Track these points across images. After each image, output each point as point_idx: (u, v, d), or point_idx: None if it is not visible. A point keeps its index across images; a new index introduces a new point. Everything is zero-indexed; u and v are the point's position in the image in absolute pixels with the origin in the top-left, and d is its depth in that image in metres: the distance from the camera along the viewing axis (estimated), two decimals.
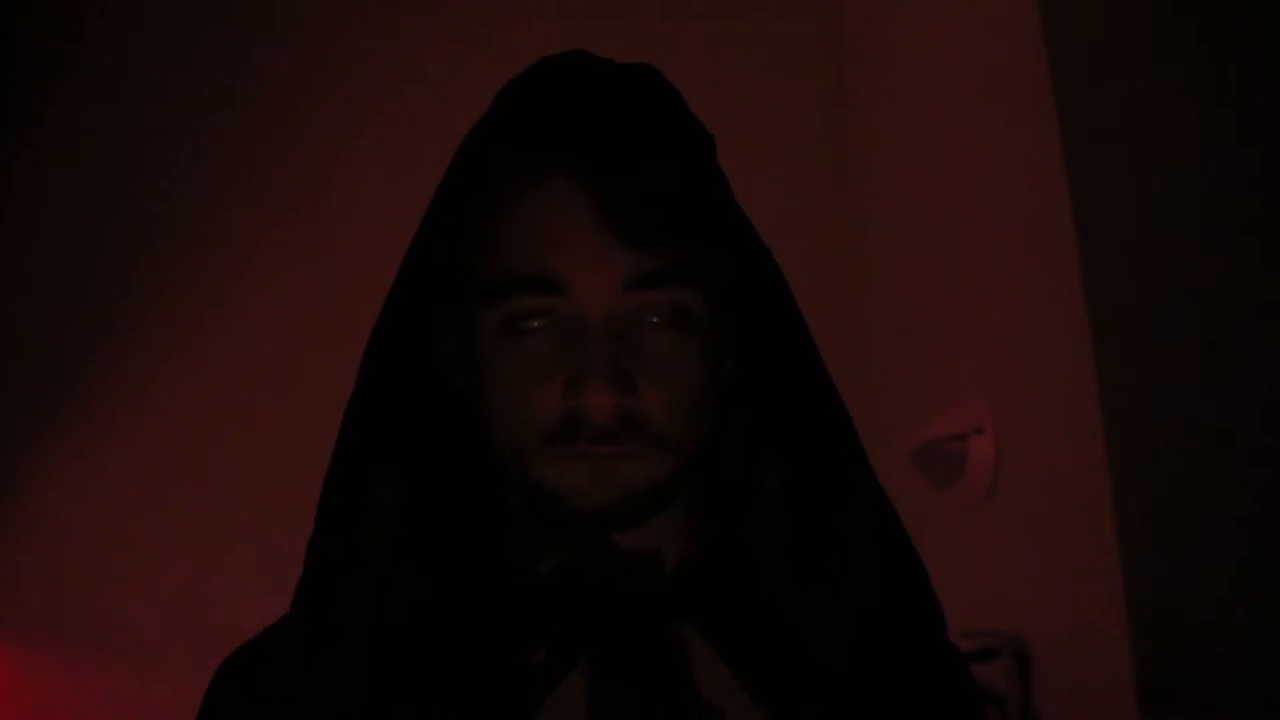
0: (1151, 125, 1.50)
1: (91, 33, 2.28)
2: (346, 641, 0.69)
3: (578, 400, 0.65)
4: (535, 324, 0.67)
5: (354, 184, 2.23)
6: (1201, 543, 1.39)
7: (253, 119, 2.27)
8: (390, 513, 0.72)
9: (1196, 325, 1.44)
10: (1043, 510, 1.60)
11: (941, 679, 0.76)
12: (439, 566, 0.72)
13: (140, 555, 2.08)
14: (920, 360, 2.04)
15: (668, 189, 0.67)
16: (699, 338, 0.69)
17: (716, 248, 0.72)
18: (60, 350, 2.17)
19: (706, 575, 0.74)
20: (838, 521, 0.76)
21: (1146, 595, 1.38)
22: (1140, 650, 1.36)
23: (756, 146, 2.23)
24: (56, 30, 2.28)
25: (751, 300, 0.77)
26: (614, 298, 0.66)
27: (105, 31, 2.29)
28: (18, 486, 2.11)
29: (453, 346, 0.74)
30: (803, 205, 2.27)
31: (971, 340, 1.84)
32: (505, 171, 0.70)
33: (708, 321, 0.70)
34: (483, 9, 2.31)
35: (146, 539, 2.09)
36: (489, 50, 2.18)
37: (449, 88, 2.18)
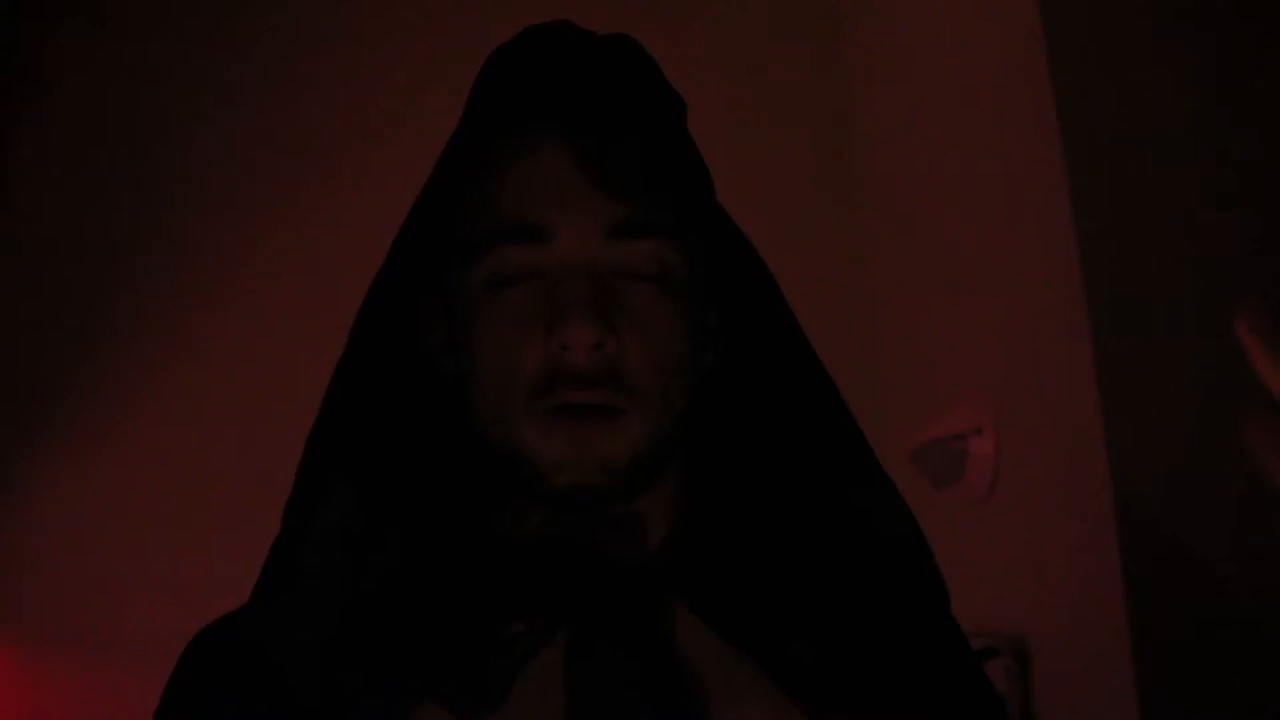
0: (1151, 125, 1.49)
1: (86, 34, 2.28)
2: (320, 611, 0.69)
3: (559, 337, 0.66)
4: (519, 279, 0.68)
5: (352, 187, 2.23)
6: (1202, 542, 1.39)
7: (250, 122, 2.27)
8: (357, 495, 0.72)
9: (1196, 324, 1.44)
10: (1043, 510, 1.60)
11: (939, 649, 0.75)
12: (418, 538, 0.71)
13: (140, 555, 2.08)
14: (920, 360, 2.04)
15: (646, 143, 0.70)
16: (680, 301, 0.70)
17: (694, 213, 0.73)
18: (60, 350, 2.17)
19: (694, 547, 0.73)
20: (831, 496, 0.75)
21: (1146, 595, 1.38)
22: (1140, 650, 1.36)
23: (757, 146, 2.23)
24: (52, 33, 2.28)
25: (734, 286, 0.77)
26: (595, 245, 0.68)
27: (100, 32, 2.28)
28: (18, 486, 2.10)
29: (439, 334, 0.74)
30: (803, 205, 2.27)
31: (971, 340, 1.84)
32: (494, 138, 0.72)
33: (689, 290, 0.71)
34: (483, 10, 2.30)
35: (146, 539, 2.09)
36: (486, 51, 2.18)
37: (446, 90, 2.18)
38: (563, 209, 0.68)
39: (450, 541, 0.72)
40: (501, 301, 0.68)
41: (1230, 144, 1.49)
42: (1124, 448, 1.42)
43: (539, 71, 0.72)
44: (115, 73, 2.27)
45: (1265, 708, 1.33)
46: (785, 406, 0.77)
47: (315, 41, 2.32)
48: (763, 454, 0.76)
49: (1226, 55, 1.52)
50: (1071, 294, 1.48)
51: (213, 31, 2.30)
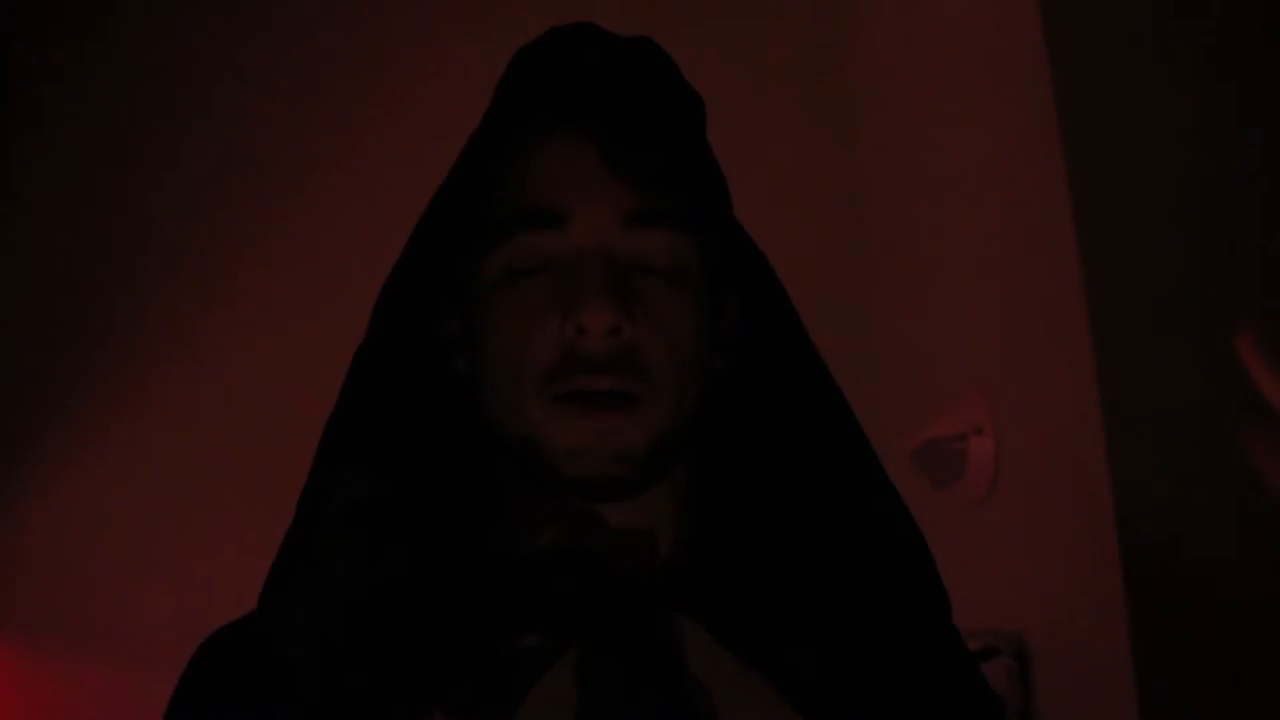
0: (1151, 123, 1.49)
1: (85, 34, 2.28)
2: (330, 605, 0.68)
3: (575, 321, 0.65)
4: (535, 269, 0.68)
5: (352, 186, 2.23)
6: (1203, 543, 1.39)
7: (250, 122, 2.27)
8: (369, 492, 0.71)
9: (1196, 325, 1.44)
10: (1043, 510, 1.60)
11: (944, 661, 0.75)
12: (426, 546, 0.71)
13: (140, 555, 2.08)
14: (920, 360, 2.04)
15: (665, 134, 0.71)
16: (693, 298, 0.70)
17: (710, 212, 0.74)
18: (60, 351, 2.17)
19: (702, 560, 0.72)
20: (839, 507, 0.75)
21: (1147, 594, 1.38)
22: (1140, 650, 1.36)
23: (757, 144, 2.23)
24: (51, 33, 2.28)
25: (746, 293, 0.78)
26: (613, 233, 0.68)
27: (100, 32, 2.28)
28: (18, 487, 2.11)
29: (453, 329, 0.75)
30: (803, 204, 2.27)
31: (971, 340, 1.84)
32: (516, 130, 0.72)
33: (702, 288, 0.71)
34: (485, 5, 2.30)
35: (146, 539, 2.09)
36: (491, 47, 2.18)
37: (448, 86, 2.18)
38: (580, 195, 0.68)
39: (462, 551, 0.71)
40: (518, 288, 0.68)
41: (1231, 144, 1.49)
42: (1124, 448, 1.42)
43: (562, 66, 0.73)
44: (115, 72, 2.27)
45: (1265, 708, 1.33)
46: (792, 415, 0.77)
47: (321, 36, 2.32)
48: (768, 461, 0.76)
49: (1228, 55, 1.52)
50: (1071, 294, 1.48)
51: (214, 28, 2.30)
